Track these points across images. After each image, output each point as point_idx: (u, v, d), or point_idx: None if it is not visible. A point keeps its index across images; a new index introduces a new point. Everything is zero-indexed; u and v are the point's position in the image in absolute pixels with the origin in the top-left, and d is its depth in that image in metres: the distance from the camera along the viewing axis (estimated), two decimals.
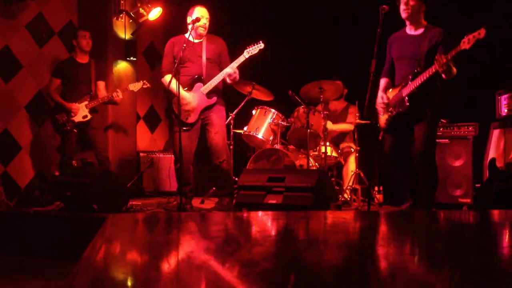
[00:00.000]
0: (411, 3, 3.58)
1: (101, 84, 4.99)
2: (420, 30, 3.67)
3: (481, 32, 3.16)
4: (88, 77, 4.90)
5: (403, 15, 3.63)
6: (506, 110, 4.38)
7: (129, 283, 0.85)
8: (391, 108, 3.73)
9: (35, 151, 5.31)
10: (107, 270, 0.93)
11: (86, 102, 4.78)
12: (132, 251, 1.16)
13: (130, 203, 4.32)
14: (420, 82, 3.48)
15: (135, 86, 4.99)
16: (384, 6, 3.79)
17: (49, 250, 3.66)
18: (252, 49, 4.01)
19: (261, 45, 4.03)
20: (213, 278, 0.88)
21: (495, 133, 4.45)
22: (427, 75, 3.44)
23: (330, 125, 4.97)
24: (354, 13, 5.42)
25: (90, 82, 4.91)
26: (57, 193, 4.17)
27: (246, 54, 4.03)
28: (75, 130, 4.79)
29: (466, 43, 3.22)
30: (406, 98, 3.58)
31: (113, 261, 1.03)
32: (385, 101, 3.78)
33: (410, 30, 3.72)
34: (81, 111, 4.76)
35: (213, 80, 4.07)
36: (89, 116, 4.78)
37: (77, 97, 4.80)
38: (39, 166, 5.32)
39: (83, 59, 4.95)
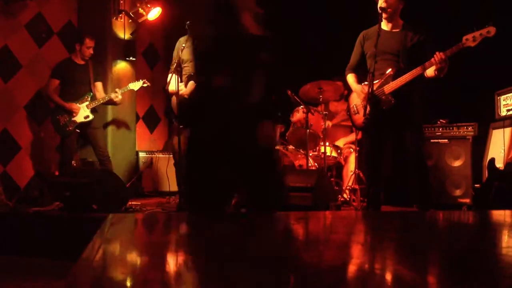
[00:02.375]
0: (390, 1, 3.44)
1: (99, 85, 4.99)
2: (399, 27, 3.55)
3: (491, 30, 3.05)
4: (87, 78, 4.90)
5: (383, 4, 3.43)
6: (505, 110, 4.39)
7: (128, 284, 0.85)
8: (368, 107, 3.41)
9: (35, 151, 5.30)
10: (106, 270, 0.93)
11: (87, 103, 4.80)
12: (131, 251, 1.16)
13: (129, 203, 4.32)
14: (408, 79, 3.35)
15: (135, 85, 5.02)
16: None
17: (48, 250, 3.66)
18: None
19: None
20: (212, 279, 0.88)
21: (495, 133, 4.46)
22: (418, 72, 3.31)
23: (339, 143, 5.14)
24: (353, 11, 5.42)
25: (89, 83, 4.91)
26: (56, 193, 4.17)
27: None
28: (77, 131, 4.81)
29: (471, 41, 3.10)
30: (390, 95, 3.42)
31: (112, 261, 1.02)
32: (365, 95, 3.48)
33: (387, 26, 3.57)
34: (83, 112, 4.77)
35: None
36: (90, 116, 4.80)
37: (76, 97, 4.81)
38: (39, 166, 5.32)
39: (81, 60, 4.95)
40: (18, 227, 3.93)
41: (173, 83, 3.97)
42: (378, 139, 3.58)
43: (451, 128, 4.59)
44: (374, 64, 3.45)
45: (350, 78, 3.79)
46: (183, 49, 3.91)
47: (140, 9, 5.91)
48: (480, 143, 4.50)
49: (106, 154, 4.99)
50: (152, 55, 6.64)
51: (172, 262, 1.03)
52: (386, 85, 3.46)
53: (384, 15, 3.50)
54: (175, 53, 4.26)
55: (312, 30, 5.90)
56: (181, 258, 1.08)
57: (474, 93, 4.71)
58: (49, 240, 3.73)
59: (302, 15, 5.97)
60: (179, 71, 3.90)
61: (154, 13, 5.85)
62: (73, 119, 4.75)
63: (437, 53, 3.23)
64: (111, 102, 4.89)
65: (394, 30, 3.57)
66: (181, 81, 4.03)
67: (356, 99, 3.76)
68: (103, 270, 0.93)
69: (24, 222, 3.94)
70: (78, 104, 4.76)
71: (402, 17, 3.63)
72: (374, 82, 3.49)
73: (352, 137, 5.15)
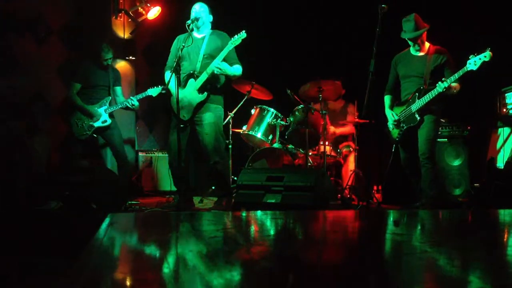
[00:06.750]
0: (422, 42, 3.89)
1: (118, 90, 4.98)
2: (424, 51, 3.95)
3: (487, 56, 3.44)
4: (107, 82, 4.89)
5: (416, 47, 3.93)
6: (505, 110, 4.39)
7: (127, 282, 0.85)
8: (402, 124, 4.00)
9: (34, 150, 5.29)
10: (106, 269, 0.94)
11: (106, 107, 4.79)
12: (130, 250, 1.16)
13: (129, 202, 4.32)
14: (428, 99, 3.74)
15: (154, 91, 4.87)
16: (383, 5, 3.84)
17: (48, 249, 3.66)
18: (235, 39, 3.96)
19: (243, 35, 3.97)
20: (212, 278, 0.88)
21: (495, 132, 4.46)
22: (434, 94, 3.70)
23: (333, 129, 5.12)
24: (353, 12, 5.43)
25: (108, 87, 4.91)
26: (56, 192, 4.17)
27: (230, 45, 3.97)
28: (95, 135, 4.81)
29: (473, 65, 3.47)
30: (416, 114, 3.85)
31: (112, 260, 1.03)
32: (395, 118, 4.05)
33: (414, 51, 3.99)
34: (102, 116, 4.78)
35: (202, 75, 4.02)
36: (108, 121, 4.78)
37: (96, 101, 4.80)
38: (38, 165, 5.31)
39: (102, 65, 4.90)
40: (18, 226, 3.93)
41: (172, 81, 3.96)
42: (410, 150, 4.00)
43: (450, 127, 4.59)
44: (402, 86, 4.00)
45: (386, 100, 4.23)
46: (182, 47, 3.90)
47: (139, 8, 5.92)
48: (480, 142, 4.50)
49: (124, 154, 4.96)
50: (152, 54, 6.63)
51: (171, 262, 1.03)
52: (412, 105, 3.88)
53: (412, 43, 3.94)
54: (173, 52, 4.25)
55: (312, 29, 5.90)
56: (179, 258, 1.08)
57: (475, 92, 4.70)
58: (49, 239, 3.73)
59: (301, 14, 5.98)
60: (177, 70, 3.89)
61: (153, 12, 5.85)
62: (91, 123, 4.75)
63: (442, 79, 3.64)
64: (128, 108, 4.88)
65: (420, 54, 3.97)
66: (180, 80, 4.02)
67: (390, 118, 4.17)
68: (103, 269, 0.93)
69: (23, 221, 3.94)
70: (97, 108, 4.76)
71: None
72: (402, 101, 4.03)
73: (345, 129, 5.20)
